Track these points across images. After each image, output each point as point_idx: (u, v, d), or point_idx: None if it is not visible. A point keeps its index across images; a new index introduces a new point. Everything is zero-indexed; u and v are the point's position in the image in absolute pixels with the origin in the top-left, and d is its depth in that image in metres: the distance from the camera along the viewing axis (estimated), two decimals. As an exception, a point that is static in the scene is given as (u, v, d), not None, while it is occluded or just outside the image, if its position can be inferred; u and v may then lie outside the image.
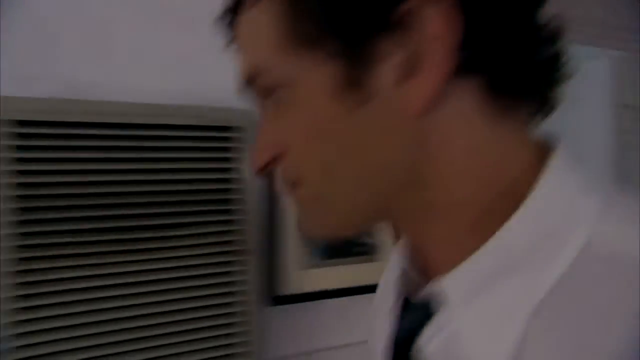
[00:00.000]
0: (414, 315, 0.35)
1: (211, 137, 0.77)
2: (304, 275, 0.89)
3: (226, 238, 0.78)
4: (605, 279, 0.27)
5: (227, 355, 0.78)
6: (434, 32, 0.27)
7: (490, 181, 0.30)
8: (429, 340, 0.32)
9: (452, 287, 0.31)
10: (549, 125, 0.34)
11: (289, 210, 0.86)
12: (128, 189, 0.71)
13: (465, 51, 0.28)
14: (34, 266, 0.65)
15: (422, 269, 0.36)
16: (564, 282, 0.28)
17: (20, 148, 0.65)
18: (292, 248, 0.88)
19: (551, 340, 0.27)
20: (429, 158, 0.30)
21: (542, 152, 0.31)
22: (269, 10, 0.30)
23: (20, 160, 0.65)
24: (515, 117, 0.31)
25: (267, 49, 0.31)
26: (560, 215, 0.29)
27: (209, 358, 0.76)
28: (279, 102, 0.31)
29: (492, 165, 0.30)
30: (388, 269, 0.44)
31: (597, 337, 0.26)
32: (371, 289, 0.49)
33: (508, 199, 0.30)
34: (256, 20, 0.31)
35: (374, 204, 0.32)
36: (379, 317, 0.42)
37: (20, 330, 0.64)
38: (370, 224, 0.42)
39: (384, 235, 0.94)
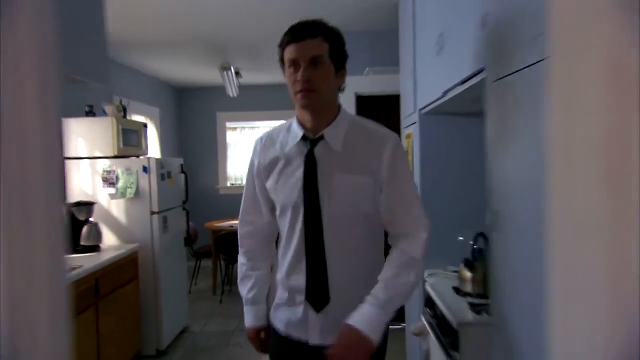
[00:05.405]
0: (311, 143, 1.45)
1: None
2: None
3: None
4: (358, 127, 1.50)
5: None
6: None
7: (334, 101, 1.49)
8: (316, 147, 1.44)
9: (327, 132, 1.45)
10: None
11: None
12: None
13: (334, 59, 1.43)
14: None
15: (311, 130, 1.47)
16: (349, 127, 1.47)
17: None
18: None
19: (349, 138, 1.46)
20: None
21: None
22: (323, 43, 1.40)
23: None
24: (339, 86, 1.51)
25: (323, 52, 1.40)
26: (345, 115, 1.51)
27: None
28: (315, 66, 1.38)
29: (335, 99, 1.50)
30: (289, 134, 1.50)
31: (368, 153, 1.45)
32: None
33: (336, 111, 1.50)
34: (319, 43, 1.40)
35: (330, 100, 1.48)
36: (294, 153, 1.48)
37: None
38: (323, 105, 1.44)
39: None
